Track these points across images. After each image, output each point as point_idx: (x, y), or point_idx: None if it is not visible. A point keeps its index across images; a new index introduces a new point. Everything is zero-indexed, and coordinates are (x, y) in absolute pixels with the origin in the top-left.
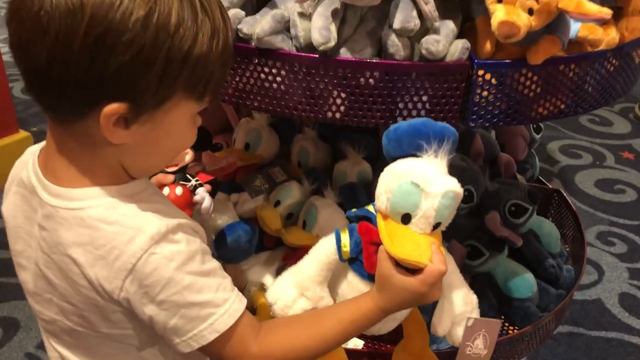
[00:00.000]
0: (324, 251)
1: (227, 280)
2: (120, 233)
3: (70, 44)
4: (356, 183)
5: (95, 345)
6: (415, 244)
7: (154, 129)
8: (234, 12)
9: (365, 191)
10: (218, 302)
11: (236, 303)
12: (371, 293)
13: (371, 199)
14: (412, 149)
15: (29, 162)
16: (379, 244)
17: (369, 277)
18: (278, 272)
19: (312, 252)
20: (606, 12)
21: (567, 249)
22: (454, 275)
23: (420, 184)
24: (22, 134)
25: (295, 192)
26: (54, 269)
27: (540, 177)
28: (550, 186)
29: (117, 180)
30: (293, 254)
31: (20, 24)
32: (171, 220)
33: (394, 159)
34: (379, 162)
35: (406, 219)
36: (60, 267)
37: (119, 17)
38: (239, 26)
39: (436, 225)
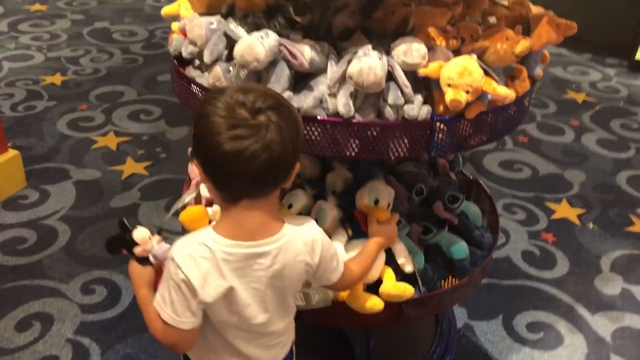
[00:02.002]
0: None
1: None
2: None
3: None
4: (348, 189)
5: None
6: None
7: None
8: (287, 94)
9: (353, 194)
10: None
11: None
12: (371, 239)
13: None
14: None
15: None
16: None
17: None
18: None
19: None
20: (511, 96)
21: (485, 222)
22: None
23: None
24: (11, 152)
25: (303, 197)
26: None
27: (463, 171)
28: (471, 177)
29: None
30: None
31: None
32: None
33: None
34: (358, 172)
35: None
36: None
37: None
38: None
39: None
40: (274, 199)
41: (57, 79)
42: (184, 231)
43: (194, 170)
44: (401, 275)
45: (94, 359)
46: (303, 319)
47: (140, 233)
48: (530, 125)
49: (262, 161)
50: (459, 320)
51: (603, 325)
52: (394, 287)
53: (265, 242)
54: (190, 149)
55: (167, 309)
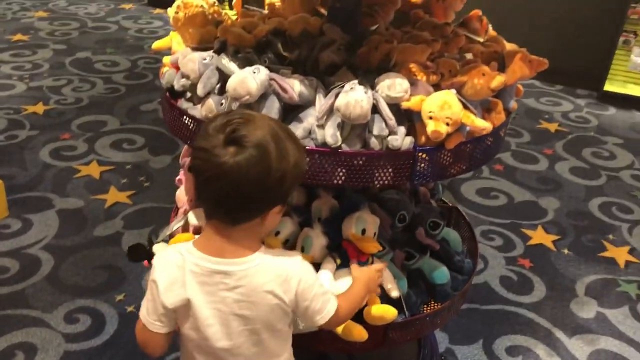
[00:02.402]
0: None
1: None
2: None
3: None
4: (334, 216)
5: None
6: None
7: (277, 214)
8: None
9: (339, 221)
10: None
11: None
12: (355, 280)
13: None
14: None
15: (185, 259)
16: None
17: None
18: None
19: None
20: (488, 127)
21: (465, 247)
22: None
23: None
24: None
25: (289, 225)
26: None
27: (443, 199)
28: (450, 204)
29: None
30: None
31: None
32: None
33: None
34: (343, 199)
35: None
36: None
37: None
38: None
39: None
40: (247, 230)
41: (39, 108)
42: None
43: (181, 198)
44: (386, 300)
45: None
46: None
47: (161, 247)
48: (506, 154)
49: (214, 188)
50: (441, 345)
51: (579, 348)
52: (377, 309)
53: (231, 261)
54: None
55: (144, 305)
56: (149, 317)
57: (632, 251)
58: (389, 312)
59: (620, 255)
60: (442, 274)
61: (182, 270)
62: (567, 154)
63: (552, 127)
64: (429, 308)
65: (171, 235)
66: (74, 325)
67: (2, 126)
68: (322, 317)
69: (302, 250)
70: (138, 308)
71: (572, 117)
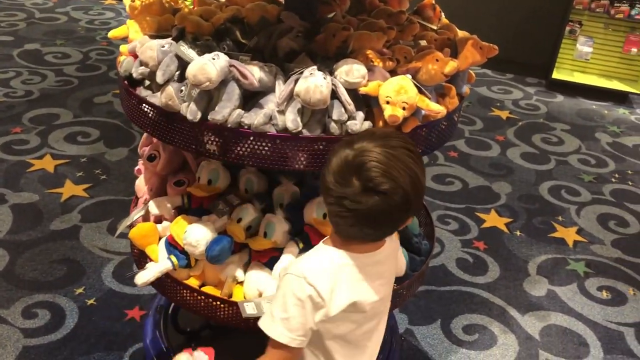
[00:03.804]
0: None
1: None
2: None
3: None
4: (295, 202)
5: None
6: None
7: None
8: (238, 112)
9: (300, 207)
10: None
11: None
12: None
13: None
14: None
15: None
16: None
17: None
18: (245, 267)
19: None
20: (442, 111)
21: (422, 231)
22: None
23: None
24: None
25: (251, 211)
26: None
27: None
28: None
29: None
30: (258, 255)
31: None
32: None
33: None
34: (304, 186)
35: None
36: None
37: None
38: (242, 119)
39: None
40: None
41: None
42: (131, 248)
43: (140, 188)
44: None
45: None
46: (242, 327)
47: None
48: (460, 142)
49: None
50: (401, 326)
51: (532, 324)
52: None
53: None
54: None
55: (279, 326)
56: (292, 334)
57: (579, 231)
58: None
59: (569, 235)
60: (400, 255)
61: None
62: (518, 140)
63: (504, 114)
64: None
65: (131, 225)
66: (32, 320)
67: None
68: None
69: (265, 236)
70: (98, 301)
71: (522, 105)
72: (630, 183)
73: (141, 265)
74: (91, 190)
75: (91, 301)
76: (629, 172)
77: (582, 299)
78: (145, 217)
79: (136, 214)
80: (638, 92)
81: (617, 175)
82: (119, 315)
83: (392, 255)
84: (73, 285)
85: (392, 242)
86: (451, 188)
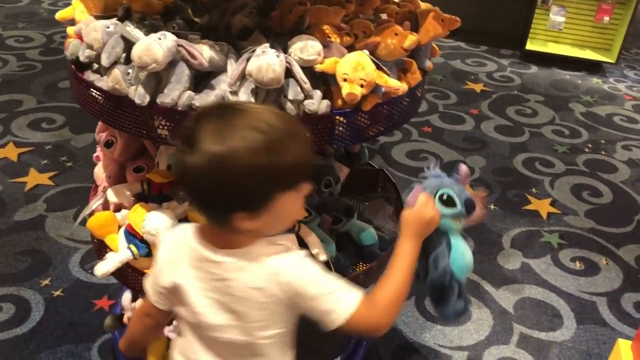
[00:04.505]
0: None
1: None
2: None
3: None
4: None
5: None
6: None
7: (274, 215)
8: (189, 94)
9: None
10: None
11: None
12: (402, 238)
13: None
14: None
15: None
16: None
17: None
18: None
19: None
20: (403, 87)
21: (392, 209)
22: None
23: None
24: None
25: None
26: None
27: (369, 162)
28: (377, 167)
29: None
30: None
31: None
32: None
33: None
34: None
35: None
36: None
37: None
38: (193, 102)
39: None
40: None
41: None
42: (92, 238)
43: (99, 175)
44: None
45: None
46: None
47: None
48: (433, 116)
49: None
50: None
51: (506, 298)
52: None
53: (222, 251)
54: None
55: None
56: (151, 290)
57: (553, 203)
58: None
59: (543, 207)
60: (369, 235)
61: (181, 252)
62: (492, 113)
63: (478, 87)
64: (358, 269)
65: (91, 214)
66: None
67: None
68: (336, 318)
69: None
70: (65, 292)
71: (496, 77)
72: (603, 153)
73: (101, 256)
74: (57, 178)
75: (58, 292)
76: (602, 141)
77: (556, 271)
78: (105, 206)
79: (95, 202)
80: (611, 60)
81: (590, 146)
82: (87, 306)
83: (247, 279)
84: (39, 276)
85: (263, 269)
86: (425, 164)
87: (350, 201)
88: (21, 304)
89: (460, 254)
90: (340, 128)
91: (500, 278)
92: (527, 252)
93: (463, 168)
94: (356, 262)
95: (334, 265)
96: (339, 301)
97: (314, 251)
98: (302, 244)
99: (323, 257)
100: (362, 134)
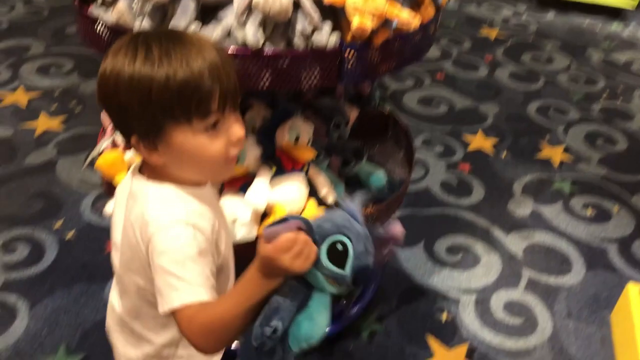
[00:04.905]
0: None
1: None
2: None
3: None
4: (267, 126)
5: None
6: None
7: (173, 150)
8: (194, 26)
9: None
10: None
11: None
12: (253, 266)
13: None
14: None
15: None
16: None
17: None
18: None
19: None
20: (415, 22)
21: (402, 154)
22: None
23: None
24: None
25: None
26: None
27: (382, 103)
28: (387, 111)
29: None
30: (231, 181)
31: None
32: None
33: None
34: (276, 109)
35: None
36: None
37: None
38: None
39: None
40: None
41: None
42: (102, 180)
43: (106, 118)
44: (324, 207)
45: (22, 314)
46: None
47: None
48: (447, 63)
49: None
50: None
51: (515, 243)
52: (316, 212)
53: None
54: None
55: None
56: None
57: (566, 150)
58: None
59: (556, 155)
60: (378, 178)
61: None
62: (507, 59)
63: (493, 33)
64: (367, 212)
65: (100, 155)
66: (12, 254)
67: None
68: (162, 304)
69: (237, 161)
70: (77, 234)
71: (512, 23)
72: (619, 100)
73: (111, 195)
74: (66, 123)
75: (70, 234)
76: (619, 89)
77: (567, 217)
78: (114, 147)
79: (103, 143)
80: (631, 6)
81: (607, 93)
82: (99, 248)
83: (133, 211)
84: (51, 219)
85: (137, 202)
86: (437, 111)
87: (360, 144)
88: (35, 245)
89: (311, 321)
90: (350, 63)
91: (510, 224)
92: (538, 199)
93: (397, 228)
94: (365, 204)
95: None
96: (172, 290)
97: (323, 191)
98: (311, 185)
99: (332, 198)
100: (373, 70)
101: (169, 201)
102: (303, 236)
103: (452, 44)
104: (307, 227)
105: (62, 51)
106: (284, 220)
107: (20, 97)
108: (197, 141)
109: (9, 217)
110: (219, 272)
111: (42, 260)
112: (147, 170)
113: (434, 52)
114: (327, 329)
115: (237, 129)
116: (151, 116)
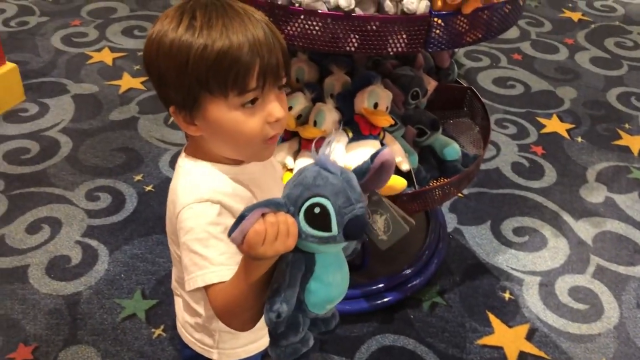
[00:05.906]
0: None
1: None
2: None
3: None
4: (346, 92)
5: None
6: None
7: (208, 124)
8: None
9: (351, 97)
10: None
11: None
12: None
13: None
14: None
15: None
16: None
17: None
18: (295, 155)
19: None
20: None
21: (478, 129)
22: None
23: None
24: (9, 65)
25: (302, 100)
26: None
27: (457, 79)
28: (465, 85)
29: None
30: (308, 144)
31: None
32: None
33: None
34: (355, 76)
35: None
36: None
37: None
38: None
39: None
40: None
41: None
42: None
43: None
44: (396, 173)
45: (102, 258)
46: None
47: None
48: (525, 44)
49: None
50: (449, 226)
51: (585, 230)
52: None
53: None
54: None
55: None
56: None
57: None
58: (398, 182)
59: (635, 143)
60: (453, 150)
61: None
62: (589, 43)
63: (576, 16)
64: (438, 184)
65: None
66: (95, 202)
67: (12, 12)
68: (188, 282)
69: (315, 125)
70: (155, 188)
71: (597, 6)
72: None
73: None
74: (148, 83)
75: (149, 188)
76: None
77: None
78: None
79: None
80: None
81: None
82: None
83: (172, 186)
84: (132, 172)
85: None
86: (512, 92)
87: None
88: (116, 195)
89: (322, 284)
90: (437, 31)
91: (580, 210)
92: (612, 187)
93: (384, 154)
94: (437, 176)
95: (415, 176)
96: (197, 268)
97: (397, 159)
98: None
99: (406, 166)
100: (459, 39)
101: (198, 179)
102: (270, 218)
103: (531, 25)
104: (271, 206)
105: (146, 14)
106: (241, 217)
107: (105, 57)
108: (232, 117)
109: (93, 168)
110: None
111: (122, 210)
112: (190, 146)
113: (512, 32)
114: (346, 285)
115: (276, 109)
116: (187, 87)
